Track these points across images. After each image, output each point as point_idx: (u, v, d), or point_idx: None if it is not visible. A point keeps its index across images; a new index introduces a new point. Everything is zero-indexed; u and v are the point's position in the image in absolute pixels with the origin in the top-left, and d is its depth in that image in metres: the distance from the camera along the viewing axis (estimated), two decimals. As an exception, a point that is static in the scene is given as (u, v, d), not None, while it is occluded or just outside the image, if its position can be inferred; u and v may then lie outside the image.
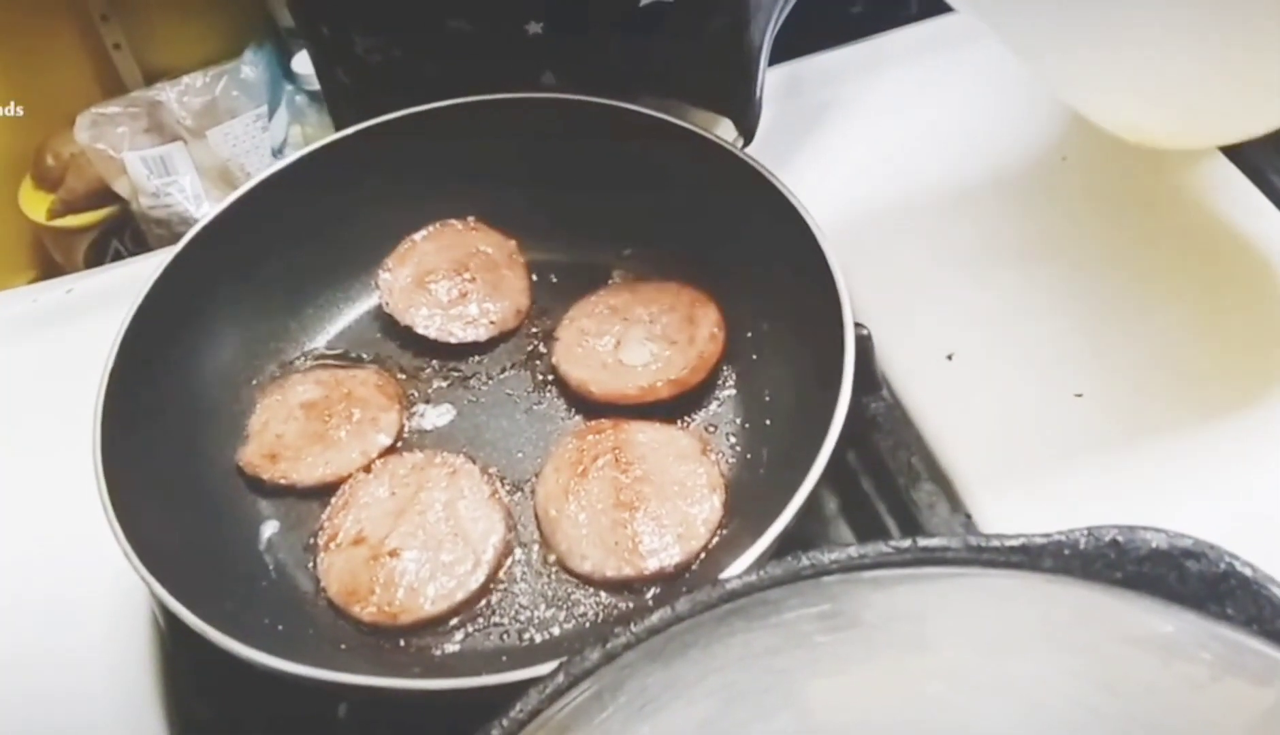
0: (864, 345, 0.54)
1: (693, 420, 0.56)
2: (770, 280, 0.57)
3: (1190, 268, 0.61)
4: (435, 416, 0.59)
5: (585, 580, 0.51)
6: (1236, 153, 0.65)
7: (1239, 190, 0.64)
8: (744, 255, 0.58)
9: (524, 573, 0.52)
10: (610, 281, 0.63)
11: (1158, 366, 0.56)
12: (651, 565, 0.50)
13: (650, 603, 0.49)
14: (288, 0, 0.96)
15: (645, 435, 0.54)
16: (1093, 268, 0.61)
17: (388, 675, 0.42)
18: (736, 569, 0.41)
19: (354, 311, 0.63)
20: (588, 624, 0.50)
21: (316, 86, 1.41)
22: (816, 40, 0.77)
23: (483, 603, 0.51)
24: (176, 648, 0.52)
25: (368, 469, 0.55)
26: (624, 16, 0.59)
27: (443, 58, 0.63)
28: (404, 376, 0.60)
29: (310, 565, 0.52)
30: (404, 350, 0.62)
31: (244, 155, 1.45)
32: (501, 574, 0.52)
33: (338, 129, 0.63)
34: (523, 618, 0.50)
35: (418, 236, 0.64)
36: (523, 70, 0.63)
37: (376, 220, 0.63)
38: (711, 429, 0.56)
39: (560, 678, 0.30)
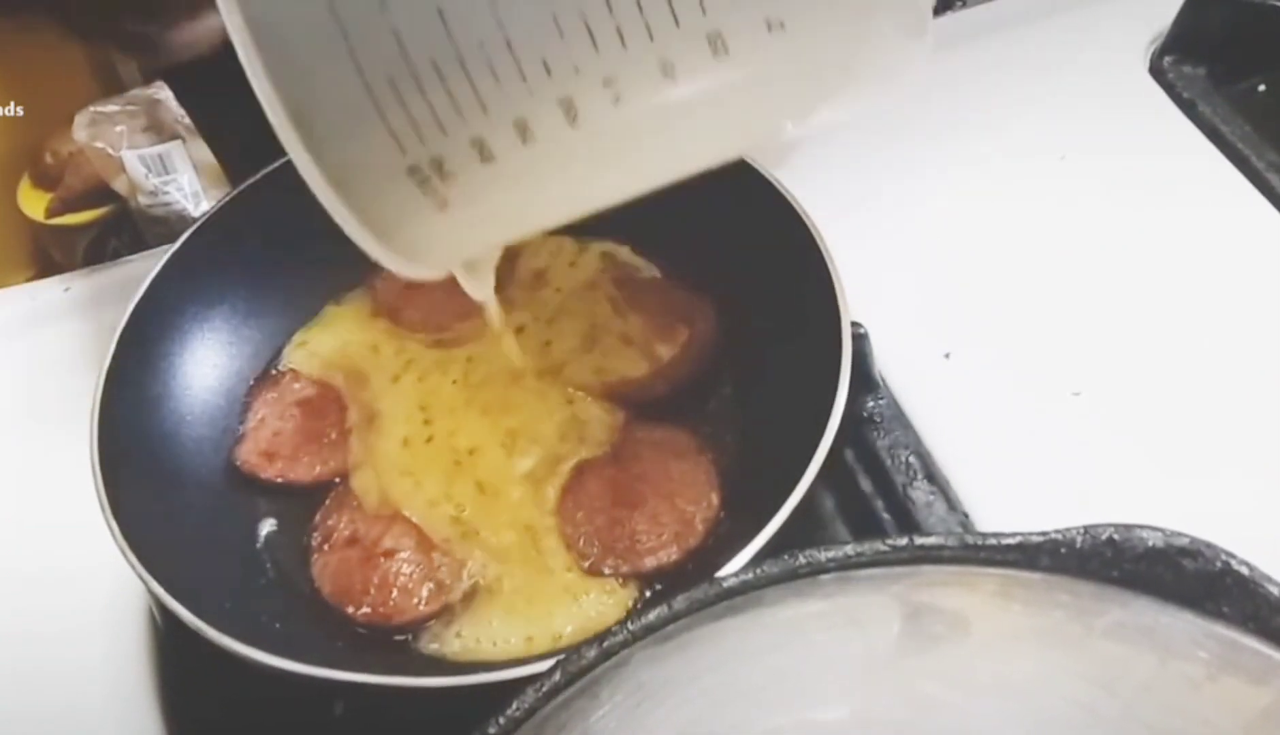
0: (861, 344, 0.54)
1: (690, 419, 0.56)
2: (767, 278, 0.56)
3: (1187, 267, 0.61)
4: (433, 415, 0.58)
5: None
6: (1234, 153, 0.65)
7: (1236, 190, 0.64)
8: (740, 253, 0.58)
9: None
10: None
11: (1155, 365, 0.56)
12: (649, 563, 0.50)
13: (647, 601, 0.49)
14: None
15: (643, 433, 0.54)
16: (1090, 267, 0.61)
17: (385, 673, 0.42)
18: (733, 567, 0.41)
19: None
20: (585, 622, 0.50)
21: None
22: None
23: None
24: (173, 645, 0.52)
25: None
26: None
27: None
28: (401, 375, 0.60)
29: (307, 564, 0.52)
30: (401, 348, 0.61)
31: (242, 153, 1.45)
32: (499, 572, 0.51)
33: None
34: (520, 616, 0.50)
35: (415, 235, 0.64)
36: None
37: (374, 218, 0.63)
38: (708, 427, 0.56)
39: (557, 676, 0.30)
